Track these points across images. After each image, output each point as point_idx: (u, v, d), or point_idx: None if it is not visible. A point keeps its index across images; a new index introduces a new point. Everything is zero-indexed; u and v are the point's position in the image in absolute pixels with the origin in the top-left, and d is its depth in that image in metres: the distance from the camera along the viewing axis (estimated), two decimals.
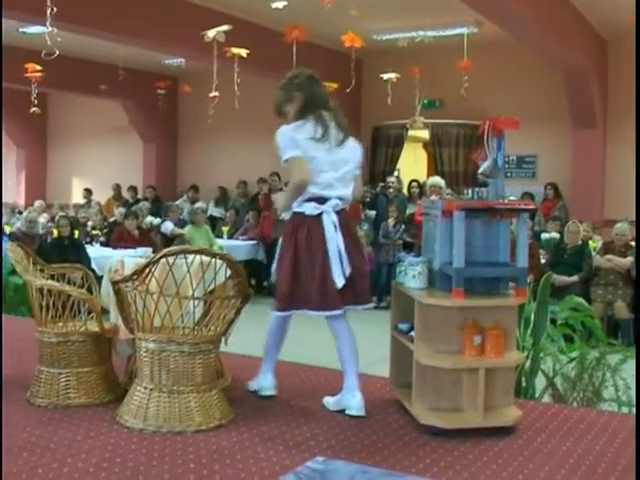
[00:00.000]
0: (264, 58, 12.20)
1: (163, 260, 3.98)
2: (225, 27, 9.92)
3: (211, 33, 9.95)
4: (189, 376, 4.12)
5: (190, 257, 4.05)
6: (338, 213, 4.45)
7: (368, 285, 4.63)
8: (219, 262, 4.11)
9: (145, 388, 4.16)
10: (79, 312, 4.74)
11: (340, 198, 4.47)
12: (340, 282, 4.37)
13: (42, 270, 4.88)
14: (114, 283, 4.17)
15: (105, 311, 4.73)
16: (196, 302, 4.17)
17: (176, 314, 4.16)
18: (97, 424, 4.23)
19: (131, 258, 4.74)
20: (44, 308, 4.58)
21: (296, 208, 4.45)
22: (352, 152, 4.59)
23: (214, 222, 14.74)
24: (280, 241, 4.57)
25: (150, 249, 5.24)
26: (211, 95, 11.04)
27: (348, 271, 4.41)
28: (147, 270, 4.00)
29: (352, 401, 4.46)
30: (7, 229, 12.00)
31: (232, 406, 4.43)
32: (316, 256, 4.37)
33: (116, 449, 3.85)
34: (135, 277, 4.02)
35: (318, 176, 4.36)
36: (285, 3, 10.06)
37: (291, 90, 4.60)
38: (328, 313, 4.44)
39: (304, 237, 4.39)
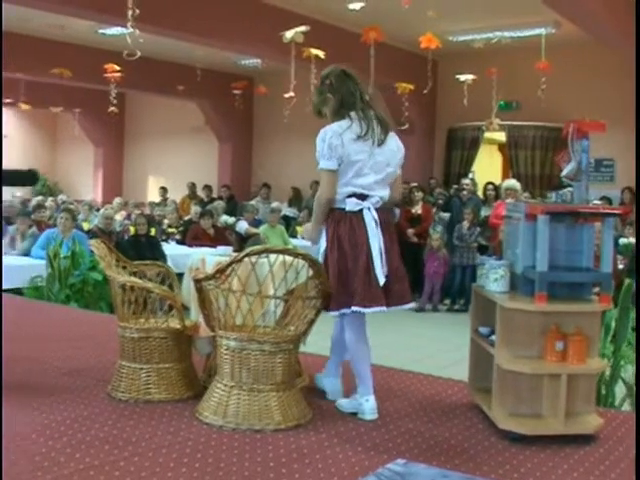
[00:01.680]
0: (340, 59, 12.03)
1: (246, 259, 4.00)
2: (303, 28, 9.96)
3: (289, 34, 10.00)
4: (269, 375, 4.13)
5: (273, 256, 4.07)
6: (378, 211, 4.40)
7: (407, 286, 4.54)
8: (301, 262, 4.12)
9: (225, 385, 4.19)
10: (160, 309, 4.80)
11: (381, 197, 4.44)
12: (382, 279, 4.31)
13: (124, 267, 4.95)
14: (196, 281, 4.20)
15: (185, 308, 4.78)
16: (277, 301, 4.19)
17: (257, 313, 4.18)
18: (177, 420, 4.28)
19: (212, 256, 4.78)
20: (126, 304, 4.65)
21: (339, 206, 4.37)
22: (393, 154, 4.49)
23: (288, 222, 14.80)
24: (323, 240, 4.48)
25: (230, 248, 5.29)
26: (287, 96, 11.09)
27: (385, 270, 4.35)
28: (230, 269, 4.02)
29: (365, 405, 4.42)
30: (85, 226, 12.21)
31: (310, 406, 4.44)
32: (360, 251, 4.30)
33: (196, 445, 3.88)
34: (218, 275, 4.05)
35: (358, 178, 4.34)
36: (362, 4, 10.06)
37: (324, 92, 4.56)
38: (371, 310, 4.34)
39: (346, 232, 4.32)
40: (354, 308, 4.30)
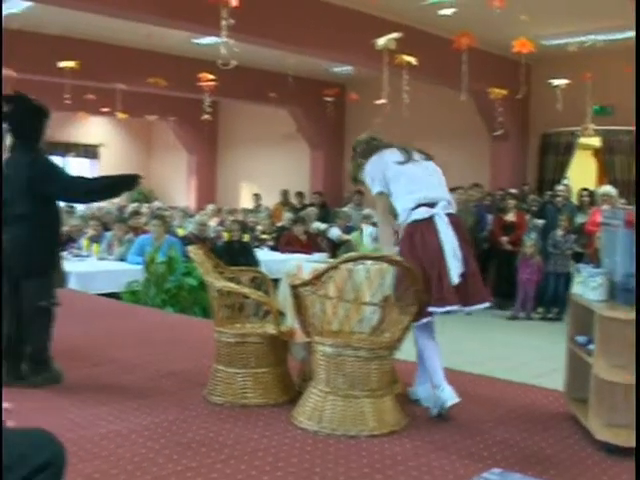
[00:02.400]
0: (432, 65, 12.17)
1: (343, 266, 4.03)
2: (395, 35, 9.95)
3: (381, 41, 10.00)
4: (364, 381, 4.14)
5: (369, 263, 4.08)
6: (448, 215, 4.57)
7: (482, 284, 4.64)
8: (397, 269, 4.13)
9: (321, 391, 4.22)
10: (255, 314, 4.86)
11: (448, 201, 4.63)
12: (455, 279, 4.40)
13: (221, 273, 5.03)
14: (293, 287, 4.24)
15: (281, 314, 4.83)
16: (373, 308, 4.20)
17: (353, 319, 4.20)
18: (273, 424, 4.32)
19: (309, 263, 4.82)
20: (223, 309, 4.72)
21: (408, 219, 4.58)
22: (438, 172, 4.84)
23: None
24: (398, 251, 4.59)
25: (326, 254, 5.32)
26: (378, 102, 11.09)
27: (462, 270, 4.43)
28: (326, 275, 4.05)
29: (443, 394, 4.45)
30: (180, 232, 12.41)
31: (404, 413, 4.44)
32: (434, 255, 4.42)
33: (291, 449, 3.92)
34: (314, 282, 4.08)
35: (420, 191, 4.59)
36: (454, 10, 10.00)
37: (356, 158, 5.00)
38: (443, 309, 4.42)
39: (420, 240, 4.48)
40: (429, 309, 4.35)
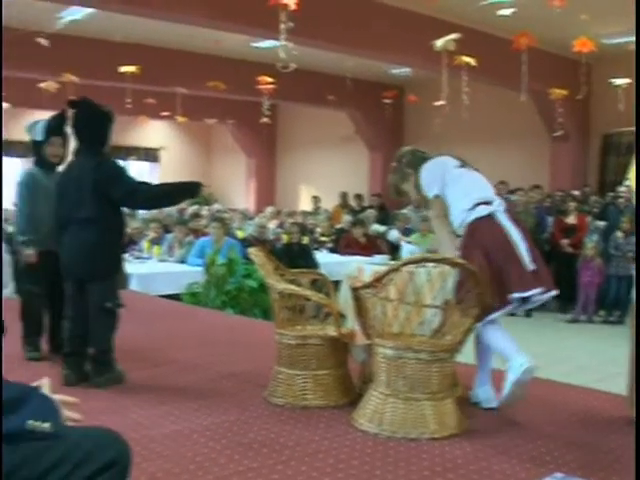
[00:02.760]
0: (492, 66, 12.09)
1: (404, 268, 4.02)
2: (454, 36, 9.90)
3: (440, 42, 9.96)
4: (425, 384, 4.13)
5: (430, 265, 4.07)
6: (505, 211, 4.63)
7: (549, 272, 4.67)
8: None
9: (381, 393, 4.21)
10: (316, 316, 4.87)
11: (500, 201, 4.70)
12: (531, 265, 4.42)
13: (282, 275, 5.06)
14: (354, 289, 4.25)
15: (342, 316, 4.83)
16: (435, 310, 4.19)
17: (414, 321, 4.19)
18: (333, 426, 4.33)
19: (370, 265, 4.82)
20: (284, 311, 4.74)
21: (467, 219, 4.59)
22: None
23: None
24: (460, 252, 4.58)
25: (387, 256, 5.32)
26: (437, 104, 11.05)
27: (531, 256, 4.46)
28: (388, 277, 4.05)
29: (526, 365, 4.36)
30: (239, 234, 12.49)
31: (465, 416, 4.41)
32: (503, 245, 4.46)
33: (352, 451, 3.92)
34: (376, 284, 4.09)
35: (476, 191, 4.67)
36: (513, 10, 9.90)
37: (402, 169, 5.07)
38: (528, 293, 4.42)
39: (486, 233, 4.51)
40: (515, 295, 4.37)
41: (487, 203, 4.60)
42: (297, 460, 3.78)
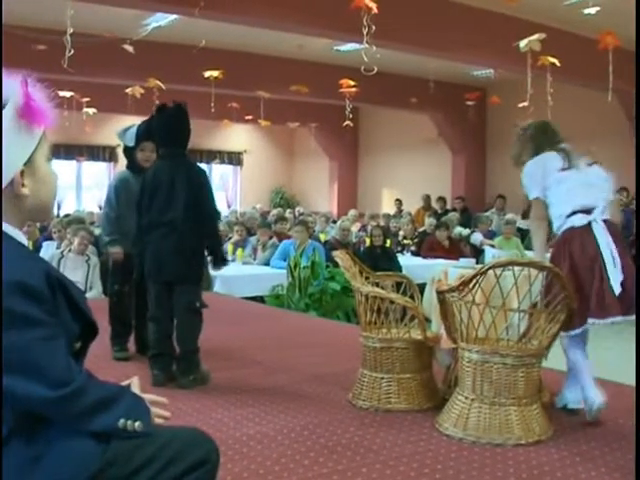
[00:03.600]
0: (577, 66, 11.89)
1: (490, 271, 3.98)
2: (538, 35, 9.75)
3: (523, 43, 9.83)
4: (511, 389, 4.08)
5: (517, 269, 4.02)
6: (604, 222, 4.48)
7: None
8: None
9: (466, 398, 4.18)
10: (400, 320, 4.85)
11: (604, 207, 4.55)
12: (617, 288, 4.27)
13: (367, 277, 5.06)
14: (439, 293, 4.22)
15: (426, 319, 4.81)
16: (521, 315, 4.14)
17: (500, 326, 4.14)
18: (417, 430, 4.30)
19: (455, 268, 4.79)
20: (369, 314, 4.73)
21: (563, 226, 4.54)
22: (600, 179, 4.72)
23: (522, 234, 14.53)
24: (550, 258, 4.55)
25: (473, 260, 5.27)
26: (521, 105, 10.91)
27: (622, 278, 4.30)
28: (474, 281, 4.01)
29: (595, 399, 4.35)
30: (322, 237, 12.52)
31: (551, 422, 4.34)
32: (592, 264, 4.34)
33: (436, 456, 3.89)
34: (461, 287, 4.05)
35: (576, 197, 4.54)
36: (598, 8, 9.71)
37: (524, 141, 4.97)
38: (605, 321, 4.32)
39: (578, 247, 4.42)
40: (590, 320, 4.26)
41: (587, 211, 4.50)
42: (381, 464, 3.77)
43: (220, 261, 5.51)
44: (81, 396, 1.90)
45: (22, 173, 1.93)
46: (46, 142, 2.01)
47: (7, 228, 1.93)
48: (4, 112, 1.90)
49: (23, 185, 1.94)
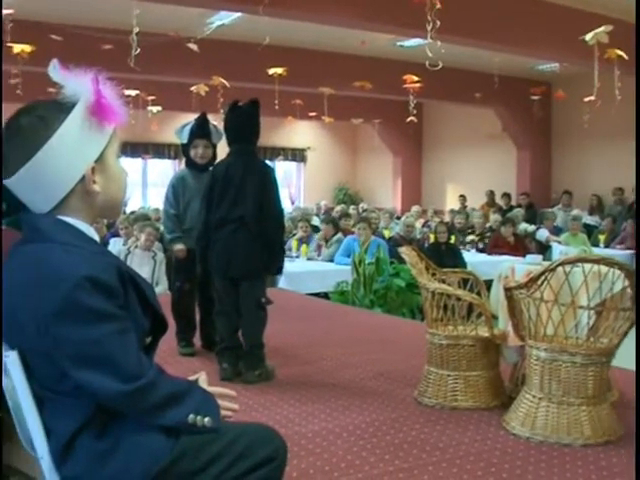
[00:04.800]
0: None
1: (559, 268, 3.92)
2: (604, 28, 9.58)
3: (589, 36, 9.67)
4: (580, 388, 4.01)
5: (587, 266, 3.96)
6: None
7: None
8: (616, 272, 3.97)
9: (534, 396, 4.12)
10: (467, 317, 4.81)
11: None
12: None
13: (433, 274, 5.03)
14: (507, 289, 4.17)
15: (493, 316, 4.76)
16: (590, 312, 4.07)
17: (569, 323, 4.09)
18: (484, 428, 4.27)
19: (522, 265, 4.73)
20: (435, 310, 4.70)
21: None
22: None
23: (589, 230, 14.35)
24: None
25: (540, 257, 5.20)
26: (587, 100, 10.75)
27: None
28: (542, 278, 3.96)
29: None
30: (386, 233, 12.49)
31: (620, 422, 4.26)
32: None
33: (503, 455, 3.85)
34: (530, 284, 4.00)
35: None
36: None
37: None
38: None
39: None
40: None
41: None
42: (448, 462, 3.75)
43: (276, 268, 5.53)
44: (152, 391, 1.92)
45: (93, 170, 1.95)
46: (116, 140, 2.04)
47: (78, 224, 1.96)
48: (75, 109, 1.93)
49: (94, 182, 1.96)
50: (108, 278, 1.87)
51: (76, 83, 1.93)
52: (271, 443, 2.11)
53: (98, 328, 1.84)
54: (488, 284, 5.20)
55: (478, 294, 4.98)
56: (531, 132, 18.12)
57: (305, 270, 10.05)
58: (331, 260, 10.56)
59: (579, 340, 4.18)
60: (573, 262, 3.95)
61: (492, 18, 10.96)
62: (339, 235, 11.11)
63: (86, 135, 1.93)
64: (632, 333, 4.18)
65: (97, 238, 2.04)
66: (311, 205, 19.69)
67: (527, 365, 4.25)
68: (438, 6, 8.33)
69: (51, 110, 1.92)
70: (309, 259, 10.83)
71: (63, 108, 1.92)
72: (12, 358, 1.93)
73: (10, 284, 1.92)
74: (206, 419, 1.99)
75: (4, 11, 9.64)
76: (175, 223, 6.01)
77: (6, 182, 1.95)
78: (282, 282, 9.57)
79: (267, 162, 5.91)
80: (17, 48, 10.47)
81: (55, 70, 1.94)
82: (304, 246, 10.98)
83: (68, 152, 1.91)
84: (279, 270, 5.58)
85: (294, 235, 11.72)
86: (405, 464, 3.72)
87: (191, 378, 2.18)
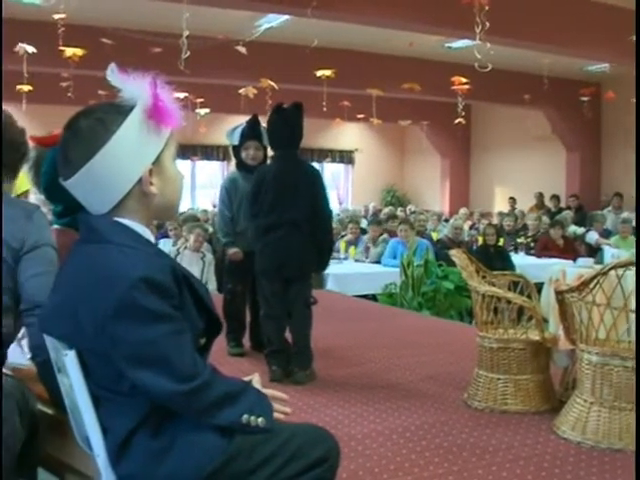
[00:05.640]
0: None
1: (612, 272, 3.88)
2: None
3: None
4: (632, 392, 3.96)
5: None
6: None
7: None
8: None
9: (585, 401, 4.08)
10: (517, 320, 4.78)
11: None
12: None
13: (484, 277, 5.00)
14: (558, 293, 4.14)
15: (544, 320, 4.72)
16: None
17: (621, 327, 4.03)
18: (534, 432, 4.24)
19: (573, 268, 4.69)
20: (485, 313, 4.68)
21: None
22: None
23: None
24: None
25: (591, 260, 5.15)
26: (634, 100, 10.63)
27: None
28: (595, 281, 3.92)
29: None
30: (434, 236, 12.45)
31: None
32: None
33: (554, 459, 3.82)
34: (582, 287, 3.96)
35: None
36: None
37: None
38: None
39: None
40: None
41: None
42: (498, 466, 3.73)
43: (323, 265, 5.56)
44: (207, 391, 1.94)
45: (150, 172, 1.97)
46: (173, 142, 2.06)
47: (135, 225, 1.99)
48: (133, 112, 1.95)
49: (151, 184, 1.98)
50: (163, 279, 1.89)
51: (134, 86, 1.96)
52: (324, 444, 2.12)
53: (154, 328, 1.87)
54: (537, 287, 5.17)
55: (528, 297, 4.94)
56: (580, 133, 17.95)
57: (353, 272, 10.05)
58: (378, 262, 10.56)
59: (631, 344, 4.12)
60: (626, 265, 3.91)
61: (541, 19, 10.88)
62: (385, 236, 11.12)
63: (144, 137, 1.96)
64: None
65: (153, 239, 2.07)
66: (359, 207, 19.70)
67: (578, 369, 4.20)
68: (487, 7, 8.30)
69: (110, 113, 1.95)
70: (357, 261, 10.85)
71: (121, 111, 1.95)
72: (70, 357, 1.97)
73: (71, 284, 1.96)
74: (260, 419, 2.01)
75: (56, 16, 9.80)
76: (229, 226, 6.06)
77: (65, 183, 1.99)
78: (330, 284, 9.58)
79: (314, 164, 5.93)
80: (69, 52, 10.62)
81: (113, 74, 1.97)
82: (352, 248, 11.00)
83: (126, 154, 1.93)
84: (325, 268, 5.67)
85: (342, 237, 11.74)
86: (455, 467, 3.71)
87: (245, 379, 2.20)
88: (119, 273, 1.86)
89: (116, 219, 1.98)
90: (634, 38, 9.43)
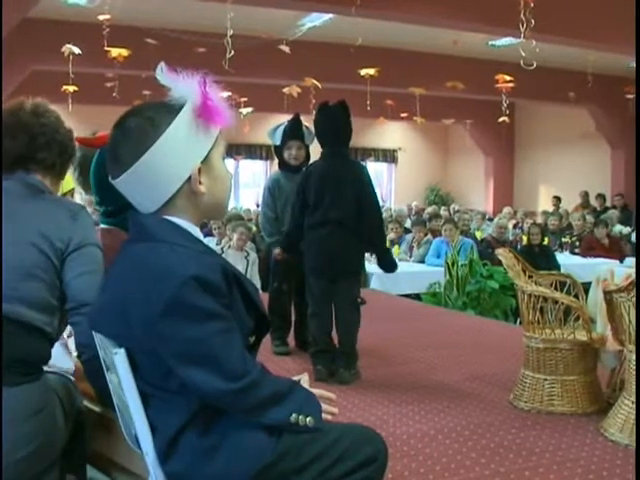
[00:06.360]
0: None
1: None
2: None
3: None
4: None
5: None
6: None
7: None
8: None
9: (633, 403, 4.02)
10: (564, 320, 4.73)
11: None
12: None
13: (530, 276, 4.96)
14: (607, 293, 4.09)
15: (591, 320, 4.67)
16: None
17: None
18: (581, 434, 4.19)
19: (621, 268, 4.64)
20: (532, 313, 4.63)
21: None
22: None
23: None
24: None
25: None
26: None
27: None
28: None
29: None
30: (478, 235, 12.38)
31: None
32: None
33: (601, 462, 3.77)
34: (631, 288, 3.91)
35: None
36: None
37: None
38: None
39: None
40: None
41: None
42: (545, 467, 3.69)
43: (388, 264, 5.56)
44: (256, 389, 1.95)
45: (199, 170, 1.98)
46: (222, 141, 2.07)
47: (184, 224, 2.00)
48: (183, 111, 1.96)
49: (200, 182, 1.99)
50: (214, 277, 1.89)
51: (183, 85, 1.97)
52: (372, 444, 2.12)
53: (204, 327, 1.87)
54: (584, 287, 5.11)
55: (575, 297, 4.89)
56: (626, 131, 17.72)
57: (397, 271, 10.00)
58: (422, 261, 10.53)
59: None
60: None
61: (586, 16, 10.78)
62: (428, 237, 11.09)
63: (193, 136, 1.97)
64: None
65: (202, 238, 2.08)
66: (402, 206, 19.67)
67: (626, 370, 4.15)
68: (532, 5, 8.23)
69: (159, 112, 1.97)
70: (400, 260, 10.81)
71: (171, 110, 1.96)
72: (120, 355, 1.98)
73: (121, 283, 1.97)
74: (308, 419, 2.01)
75: (101, 17, 9.91)
76: (274, 226, 6.08)
77: (114, 182, 2.00)
78: (374, 283, 9.57)
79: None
80: (114, 52, 10.72)
81: (162, 73, 1.98)
82: (396, 247, 10.97)
83: (175, 153, 1.94)
84: (393, 266, 5.64)
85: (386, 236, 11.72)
86: (501, 468, 3.68)
87: (294, 378, 2.20)
88: (170, 271, 1.87)
89: (166, 217, 1.99)
90: None
